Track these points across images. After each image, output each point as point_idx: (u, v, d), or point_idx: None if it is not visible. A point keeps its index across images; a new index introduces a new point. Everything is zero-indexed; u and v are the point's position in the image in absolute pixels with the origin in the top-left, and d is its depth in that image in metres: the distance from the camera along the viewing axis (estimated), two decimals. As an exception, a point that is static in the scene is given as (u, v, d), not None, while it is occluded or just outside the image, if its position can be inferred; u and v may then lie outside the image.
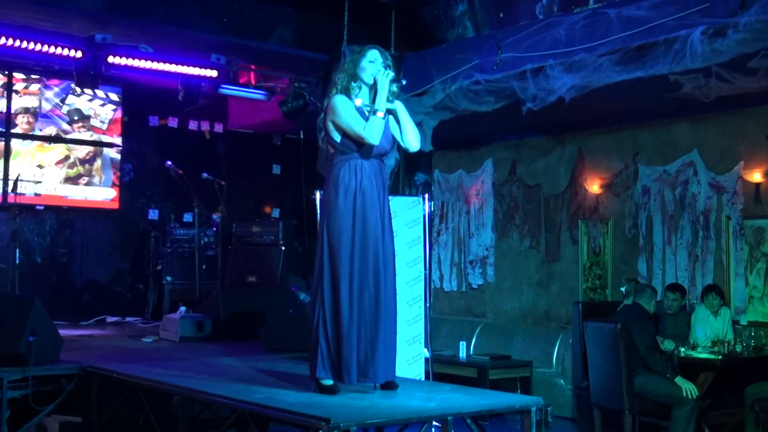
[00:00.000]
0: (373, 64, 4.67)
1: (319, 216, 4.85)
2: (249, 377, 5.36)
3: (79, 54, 8.00)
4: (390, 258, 4.67)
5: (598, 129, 9.41)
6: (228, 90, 9.08)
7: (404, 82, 4.78)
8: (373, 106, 4.61)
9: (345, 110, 4.60)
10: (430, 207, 7.63)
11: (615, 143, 9.35)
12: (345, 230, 4.55)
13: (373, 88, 4.66)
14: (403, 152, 9.01)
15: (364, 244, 4.56)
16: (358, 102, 4.66)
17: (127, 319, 9.88)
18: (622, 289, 7.35)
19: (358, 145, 4.61)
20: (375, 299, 4.56)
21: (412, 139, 4.77)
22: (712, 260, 8.41)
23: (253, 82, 9.57)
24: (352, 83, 4.68)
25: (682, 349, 7.23)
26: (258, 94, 9.45)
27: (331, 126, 4.64)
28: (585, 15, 6.59)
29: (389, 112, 4.70)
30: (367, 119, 4.58)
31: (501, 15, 7.68)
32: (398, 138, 4.78)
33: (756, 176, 8.13)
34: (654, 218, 8.89)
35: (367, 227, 4.58)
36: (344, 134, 4.62)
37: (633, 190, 9.11)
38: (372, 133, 4.54)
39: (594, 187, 9.47)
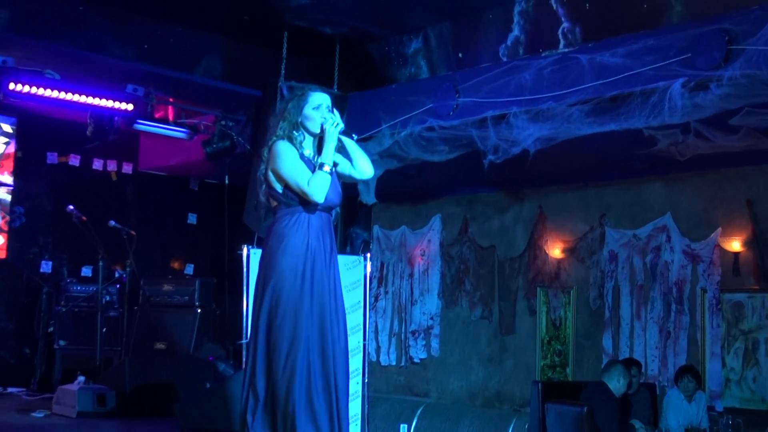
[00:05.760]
0: (318, 111, 4.72)
1: (258, 275, 4.85)
2: (165, 460, 5.32)
3: (-28, 78, 7.98)
4: (342, 319, 4.75)
5: (561, 185, 9.61)
6: (145, 126, 9.10)
7: (355, 137, 4.86)
8: (319, 158, 4.66)
9: (288, 159, 4.63)
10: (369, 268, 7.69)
11: (580, 202, 9.54)
12: (291, 291, 4.60)
13: (319, 138, 4.73)
14: (343, 205, 9.16)
15: (313, 306, 4.63)
16: (307, 152, 4.75)
17: (9, 389, 9.65)
18: None
19: (303, 197, 4.68)
20: (330, 366, 4.62)
21: (365, 166, 4.86)
22: (685, 337, 8.61)
23: (171, 117, 9.60)
24: (294, 132, 4.71)
25: (652, 436, 7.41)
26: (179, 132, 9.49)
27: (271, 176, 4.68)
28: (554, 60, 6.80)
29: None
30: (314, 171, 4.65)
31: (460, 55, 7.88)
32: (349, 172, 4.85)
33: (735, 245, 8.36)
34: (622, 288, 9.08)
35: (315, 287, 4.65)
36: (286, 186, 4.68)
37: (599, 256, 9.30)
38: (316, 189, 4.58)
39: (555, 251, 9.64)
